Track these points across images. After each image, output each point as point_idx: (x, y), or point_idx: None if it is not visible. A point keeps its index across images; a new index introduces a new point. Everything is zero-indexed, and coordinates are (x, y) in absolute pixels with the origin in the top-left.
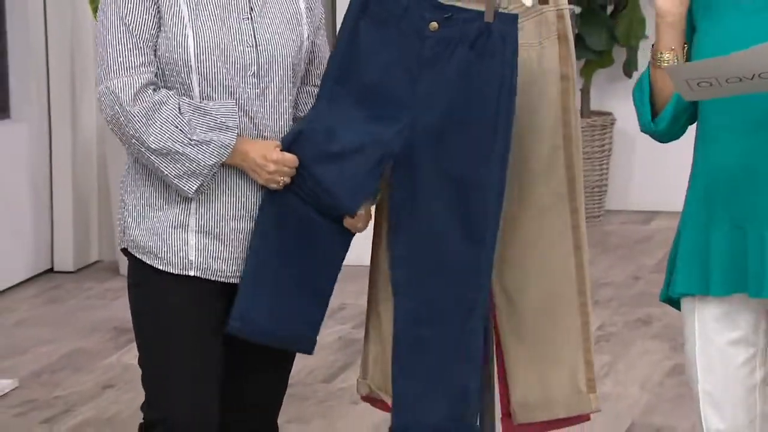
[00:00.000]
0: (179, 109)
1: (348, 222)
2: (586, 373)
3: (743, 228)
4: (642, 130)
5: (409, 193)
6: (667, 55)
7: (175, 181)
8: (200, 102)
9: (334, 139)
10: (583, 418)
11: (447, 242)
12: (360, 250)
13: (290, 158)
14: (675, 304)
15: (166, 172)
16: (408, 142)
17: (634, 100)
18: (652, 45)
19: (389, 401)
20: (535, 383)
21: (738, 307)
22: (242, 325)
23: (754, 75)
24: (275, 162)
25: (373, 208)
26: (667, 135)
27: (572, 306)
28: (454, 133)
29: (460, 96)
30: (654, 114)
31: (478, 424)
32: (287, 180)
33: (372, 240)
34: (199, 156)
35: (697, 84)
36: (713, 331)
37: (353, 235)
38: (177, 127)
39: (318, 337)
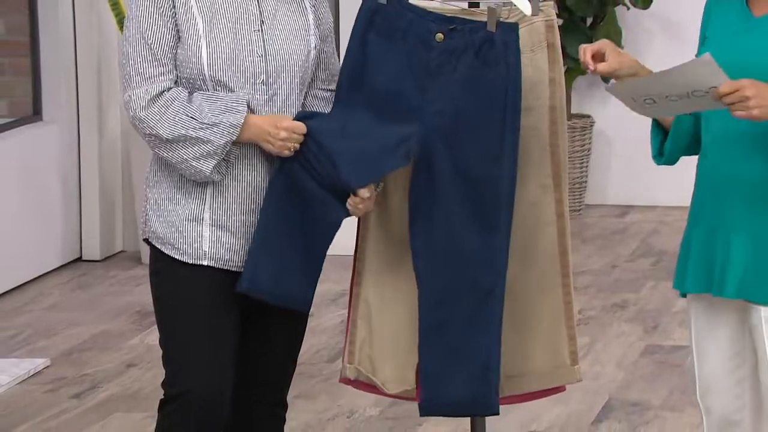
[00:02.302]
0: (189, 99)
1: (351, 200)
2: (569, 347)
3: (714, 231)
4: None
5: (426, 193)
6: None
7: (193, 163)
8: None
9: (347, 127)
10: (559, 389)
11: (464, 234)
12: None
13: (300, 125)
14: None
15: (185, 157)
16: (422, 146)
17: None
18: None
19: (377, 382)
20: (521, 358)
21: (722, 306)
22: (249, 286)
23: (688, 92)
24: (286, 129)
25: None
26: (678, 157)
27: (556, 286)
28: (466, 136)
29: (468, 101)
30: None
31: (499, 397)
32: (297, 146)
33: (356, 234)
34: (211, 137)
35: (644, 101)
36: (705, 327)
37: (346, 212)
38: (188, 115)
39: (323, 322)
